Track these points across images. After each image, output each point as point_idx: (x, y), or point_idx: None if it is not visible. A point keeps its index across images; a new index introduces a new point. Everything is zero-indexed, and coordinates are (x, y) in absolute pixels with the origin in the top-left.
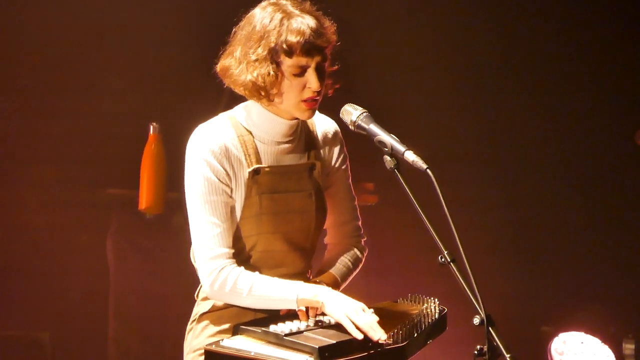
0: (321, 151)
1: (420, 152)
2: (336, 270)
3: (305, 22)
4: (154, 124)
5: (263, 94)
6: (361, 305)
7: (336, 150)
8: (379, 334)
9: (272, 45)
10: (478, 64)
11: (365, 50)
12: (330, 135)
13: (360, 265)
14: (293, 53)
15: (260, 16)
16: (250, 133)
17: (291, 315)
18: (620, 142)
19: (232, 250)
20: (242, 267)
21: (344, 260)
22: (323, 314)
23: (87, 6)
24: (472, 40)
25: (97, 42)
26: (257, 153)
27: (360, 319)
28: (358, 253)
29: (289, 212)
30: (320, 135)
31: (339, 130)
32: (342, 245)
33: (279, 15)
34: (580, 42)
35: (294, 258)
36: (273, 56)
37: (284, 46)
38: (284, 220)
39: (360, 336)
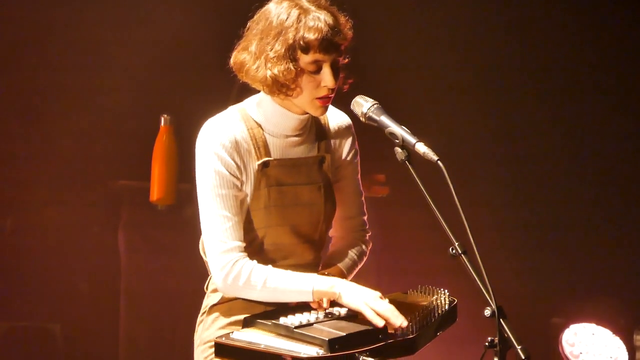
0: (332, 144)
1: (431, 144)
2: (343, 263)
3: (322, 19)
4: (165, 115)
5: (283, 89)
6: (378, 293)
7: (347, 144)
8: (400, 320)
9: (290, 42)
10: (491, 61)
11: (377, 45)
12: (342, 129)
13: (365, 259)
14: (310, 50)
15: (276, 11)
16: (260, 126)
17: (301, 307)
18: (634, 139)
19: (244, 244)
20: (255, 261)
21: (350, 253)
22: (332, 306)
23: (102, 2)
24: (485, 37)
25: (109, 35)
26: (266, 146)
27: (380, 305)
28: (363, 247)
29: (298, 204)
30: (332, 129)
31: (352, 124)
32: (347, 239)
33: (295, 12)
34: (588, 39)
35: (302, 250)
36: (291, 53)
37: (302, 43)
38: (292, 213)
39: (381, 323)
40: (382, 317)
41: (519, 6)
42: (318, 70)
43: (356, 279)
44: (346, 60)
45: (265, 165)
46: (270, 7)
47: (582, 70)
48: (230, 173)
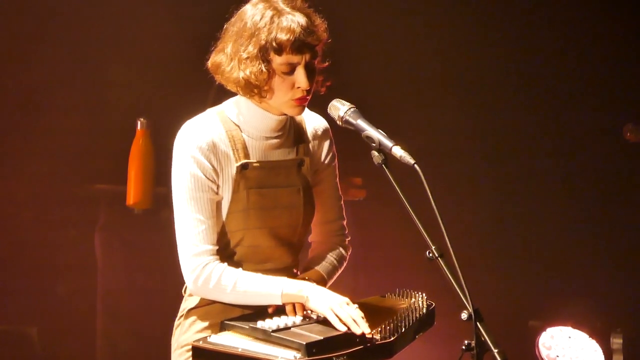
0: (310, 147)
1: (408, 148)
2: (322, 267)
3: (295, 20)
4: (142, 119)
5: (256, 91)
6: (345, 299)
7: (325, 147)
8: (362, 328)
9: (263, 42)
10: (469, 60)
11: (355, 47)
12: (320, 133)
13: (345, 264)
14: (283, 51)
15: (251, 13)
16: (239, 128)
17: (278, 311)
18: (610, 138)
19: (216, 247)
20: (226, 264)
21: (330, 258)
22: (310, 310)
23: (76, 2)
24: (465, 37)
25: (86, 38)
26: (245, 148)
27: (343, 312)
28: (343, 251)
29: (277, 207)
30: (309, 132)
31: (329, 128)
32: (327, 243)
33: (269, 13)
34: (571, 37)
35: (281, 253)
36: (264, 54)
37: (274, 44)
38: (271, 216)
39: (344, 329)
40: (344, 323)
41: (502, 4)
42: (292, 71)
43: (334, 283)
44: (325, 63)
45: (244, 167)
46: (246, 8)
47: (566, 68)
48: (206, 176)
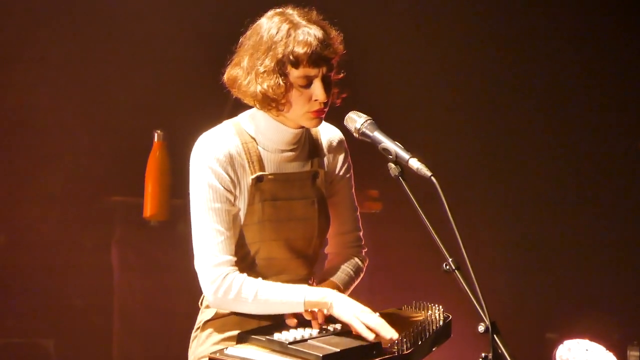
0: (325, 159)
1: (425, 160)
2: (338, 278)
3: (312, 33)
4: (159, 131)
5: (273, 104)
6: (367, 309)
7: (340, 159)
8: (390, 333)
9: (280, 56)
10: (486, 76)
11: (371, 60)
12: (335, 144)
13: (362, 275)
14: (300, 64)
15: (267, 26)
16: (254, 140)
17: (298, 324)
18: (628, 146)
19: (235, 258)
20: (245, 274)
21: (346, 269)
22: (327, 322)
23: (90, 13)
24: (478, 52)
25: (102, 50)
26: (260, 160)
27: (370, 319)
28: (359, 263)
29: (292, 219)
30: (325, 144)
31: (344, 139)
32: (343, 255)
33: (285, 26)
34: (582, 40)
35: (296, 265)
36: (281, 67)
37: (291, 57)
38: (286, 228)
39: (371, 336)
40: (372, 330)
41: (511, 10)
42: (309, 84)
43: (350, 295)
44: (340, 75)
45: (259, 179)
46: (262, 22)
47: (577, 73)
48: (224, 187)
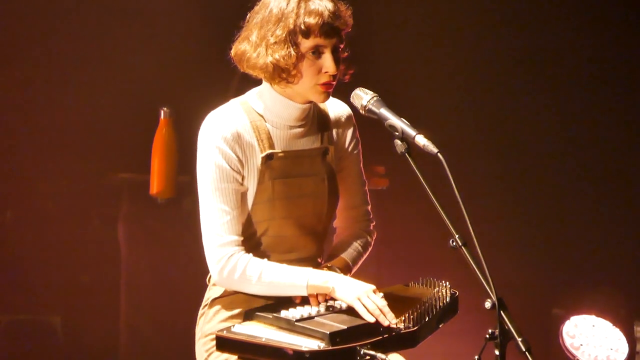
0: (334, 135)
1: (431, 137)
2: (347, 254)
3: (322, 4)
4: (165, 108)
5: (284, 75)
6: (372, 287)
7: (349, 134)
8: (389, 318)
9: (291, 26)
10: (490, 55)
11: (377, 36)
12: (343, 119)
13: (370, 249)
14: (311, 34)
15: (276, 0)
16: (263, 118)
17: (303, 300)
18: (631, 131)
19: (241, 238)
20: (251, 254)
21: (355, 244)
22: (333, 299)
23: None
24: (485, 29)
25: (107, 28)
26: (269, 138)
27: (370, 302)
28: (368, 237)
29: (302, 196)
30: (333, 119)
31: (352, 114)
32: (351, 229)
33: None
34: (589, 35)
35: (305, 242)
36: (292, 37)
37: (302, 27)
38: (296, 205)
39: (372, 319)
40: (372, 314)
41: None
42: (319, 55)
43: (356, 272)
44: (345, 54)
45: (269, 157)
46: None
47: (583, 66)
48: (231, 167)
